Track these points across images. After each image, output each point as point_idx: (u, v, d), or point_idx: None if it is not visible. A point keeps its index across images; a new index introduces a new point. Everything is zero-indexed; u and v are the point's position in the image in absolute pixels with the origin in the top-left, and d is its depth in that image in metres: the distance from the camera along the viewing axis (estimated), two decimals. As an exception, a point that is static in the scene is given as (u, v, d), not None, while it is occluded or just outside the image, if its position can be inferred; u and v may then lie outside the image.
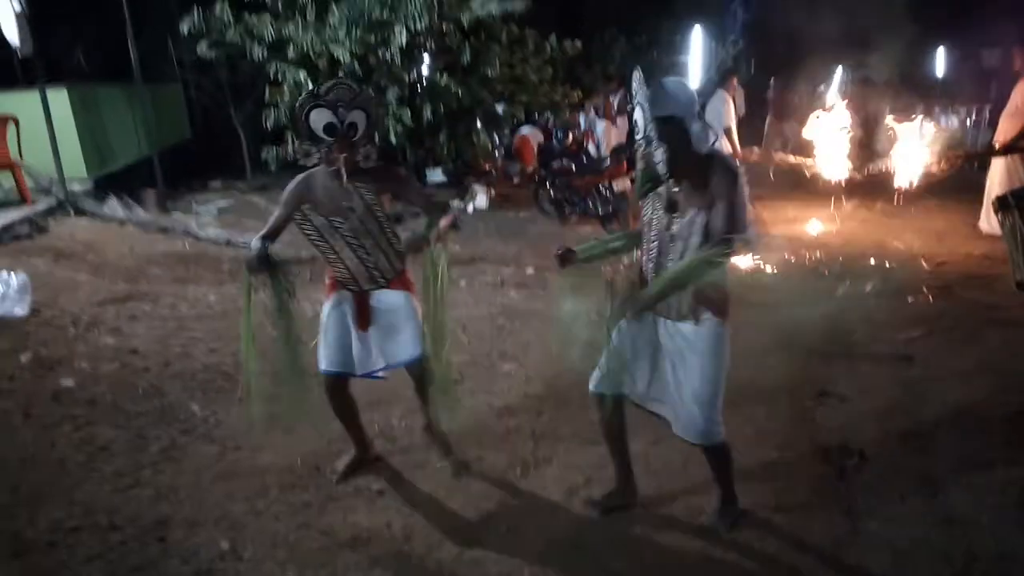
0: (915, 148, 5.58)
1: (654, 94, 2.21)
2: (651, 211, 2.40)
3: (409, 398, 3.66)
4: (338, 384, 2.94)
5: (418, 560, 2.53)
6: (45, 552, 2.60)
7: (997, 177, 6.04)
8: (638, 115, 2.25)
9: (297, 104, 2.65)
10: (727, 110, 7.95)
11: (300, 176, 2.77)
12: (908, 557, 2.47)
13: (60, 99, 7.97)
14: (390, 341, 2.88)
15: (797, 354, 4.21)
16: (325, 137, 2.61)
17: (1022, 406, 3.42)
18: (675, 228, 2.32)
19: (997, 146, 5.98)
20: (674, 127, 2.21)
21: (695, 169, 2.24)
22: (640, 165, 2.35)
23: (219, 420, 3.57)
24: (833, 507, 2.76)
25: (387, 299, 2.85)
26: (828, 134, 6.47)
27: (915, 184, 5.16)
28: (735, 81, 8.58)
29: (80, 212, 7.49)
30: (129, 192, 8.17)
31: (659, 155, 2.22)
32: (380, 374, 3.00)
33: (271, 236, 2.75)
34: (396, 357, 2.90)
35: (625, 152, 7.75)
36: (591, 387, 2.61)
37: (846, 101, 6.96)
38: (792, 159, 7.25)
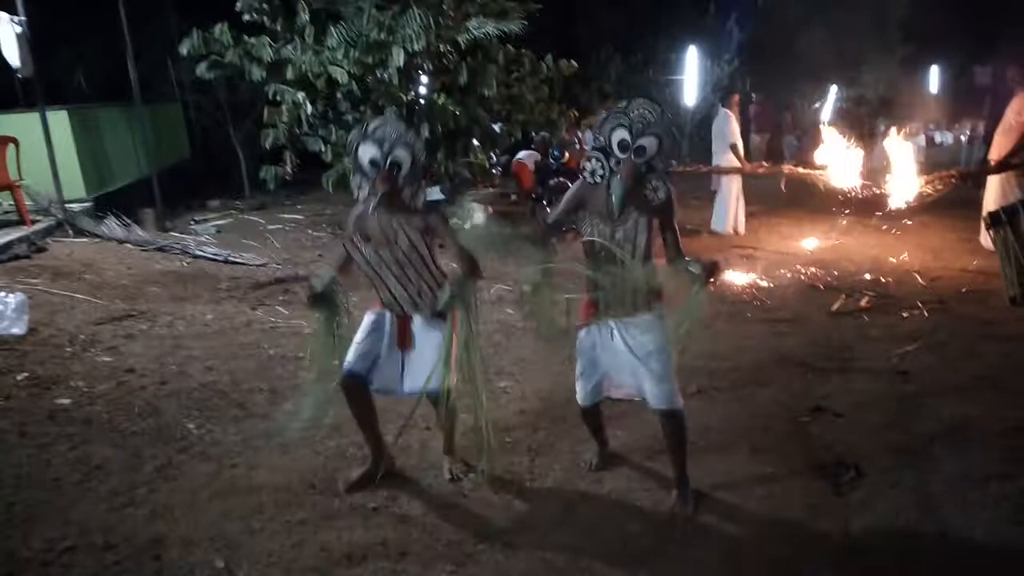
0: (910, 166, 5.63)
1: (665, 132, 2.61)
2: (590, 228, 2.73)
3: (405, 415, 3.67)
4: (357, 386, 2.97)
5: (413, 578, 2.52)
6: (39, 572, 2.58)
7: (992, 194, 6.09)
8: (650, 143, 2.59)
9: (348, 139, 2.77)
10: (731, 127, 8.03)
11: (354, 209, 2.93)
12: (903, 571, 2.47)
13: (60, 120, 8.04)
14: (419, 368, 2.93)
15: (793, 369, 4.23)
16: (370, 171, 2.76)
17: (1018, 421, 3.43)
18: (619, 234, 2.67)
19: (992, 163, 6.03)
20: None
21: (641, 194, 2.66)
22: (626, 183, 2.62)
23: (215, 439, 3.57)
24: (829, 522, 2.77)
25: (426, 328, 2.93)
26: (838, 150, 6.52)
27: (910, 201, 5.21)
28: (737, 98, 8.67)
29: (79, 232, 7.52)
30: (128, 212, 8.20)
31: (655, 183, 2.64)
32: (401, 395, 3.05)
33: (339, 268, 2.96)
34: (419, 386, 2.93)
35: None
36: (583, 403, 3.02)
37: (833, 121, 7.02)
38: (802, 171, 7.30)
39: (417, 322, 2.95)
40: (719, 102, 9.05)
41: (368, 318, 2.99)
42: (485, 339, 4.90)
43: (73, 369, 4.39)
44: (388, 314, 2.96)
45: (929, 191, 4.85)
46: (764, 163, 8.62)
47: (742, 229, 8.23)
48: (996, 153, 6.15)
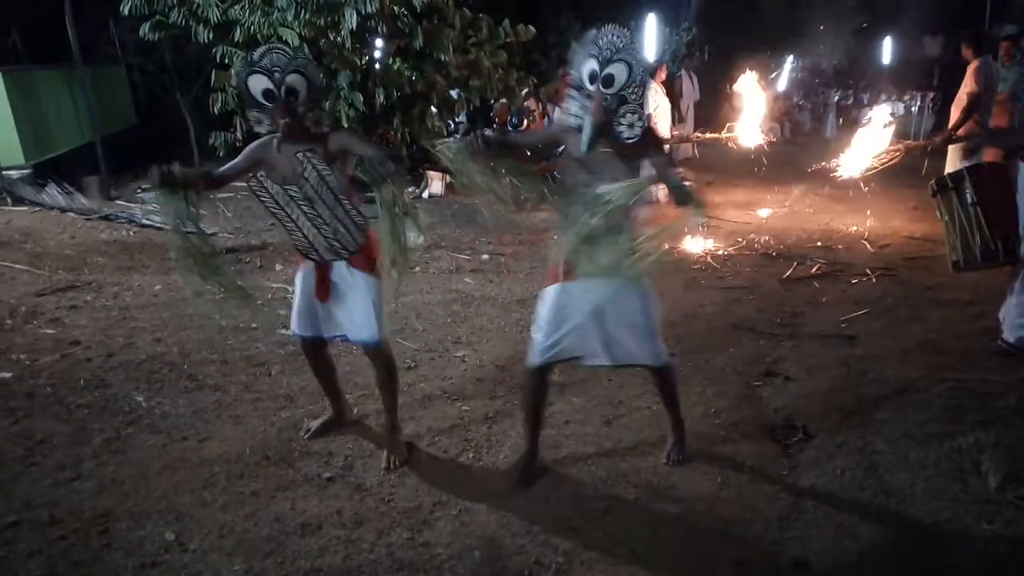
0: (863, 137, 5.71)
1: (638, 58, 2.45)
2: (569, 176, 2.58)
3: (362, 384, 3.65)
4: (311, 346, 3.05)
5: (369, 546, 2.51)
6: (-20, 549, 2.51)
7: (950, 165, 6.20)
8: (619, 71, 2.41)
9: (235, 71, 2.63)
10: (648, 98, 8.00)
11: (259, 139, 2.77)
12: (847, 528, 2.55)
13: (-6, 83, 7.68)
14: (347, 317, 2.90)
15: (745, 335, 4.30)
16: (266, 103, 2.60)
17: (956, 382, 3.55)
18: (593, 182, 2.48)
19: (939, 137, 6.13)
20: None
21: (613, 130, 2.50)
22: (595, 119, 2.46)
23: (165, 411, 3.49)
24: (777, 482, 2.84)
25: (348, 277, 2.84)
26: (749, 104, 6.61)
27: (861, 172, 5.29)
28: (664, 69, 8.69)
29: (17, 200, 7.24)
30: (70, 179, 7.90)
31: (631, 119, 2.47)
32: (339, 340, 3.04)
33: (220, 178, 2.82)
34: (351, 334, 2.93)
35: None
36: (536, 361, 2.73)
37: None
38: (709, 134, 7.43)
39: (338, 270, 2.84)
40: (679, 69, 9.10)
41: (298, 275, 2.94)
42: (443, 309, 4.88)
43: (14, 342, 4.24)
44: (311, 264, 2.85)
45: (877, 164, 4.93)
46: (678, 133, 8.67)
47: (663, 198, 8.22)
48: (950, 125, 6.27)
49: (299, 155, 2.64)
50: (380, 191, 2.73)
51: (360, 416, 3.40)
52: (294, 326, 3.01)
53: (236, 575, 2.39)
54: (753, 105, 5.83)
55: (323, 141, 2.70)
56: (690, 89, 10.57)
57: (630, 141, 2.48)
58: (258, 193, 2.74)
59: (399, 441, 3.08)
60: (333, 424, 3.24)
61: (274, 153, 2.70)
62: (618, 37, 2.41)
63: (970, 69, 6.13)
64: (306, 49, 7.48)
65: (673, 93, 10.07)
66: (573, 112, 2.54)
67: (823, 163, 5.32)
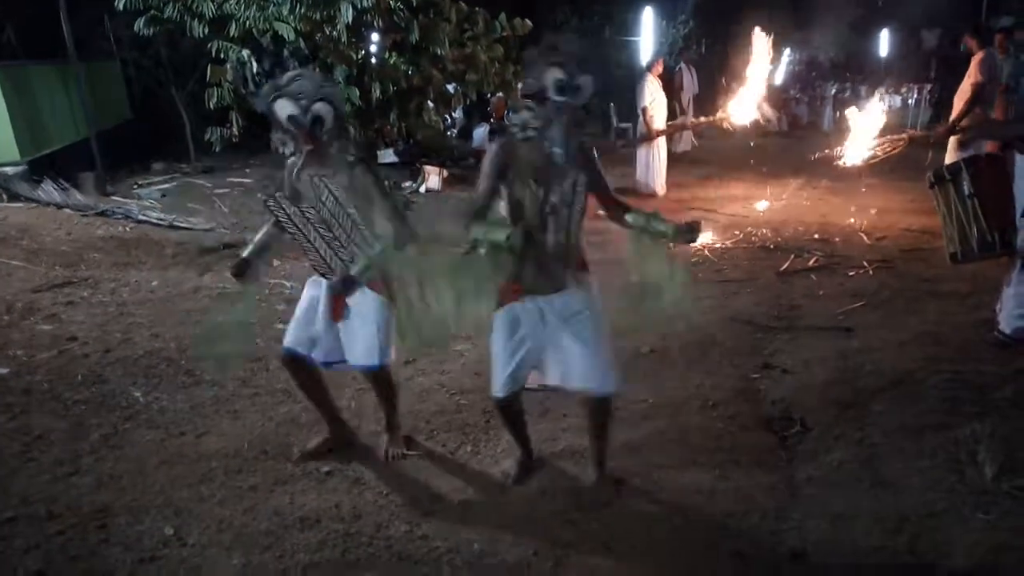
0: (863, 129, 5.70)
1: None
2: (518, 193, 2.40)
3: (361, 380, 3.64)
4: (296, 362, 2.90)
5: (367, 539, 2.52)
6: (-21, 544, 2.51)
7: (949, 156, 6.20)
8: (588, 82, 2.33)
9: (261, 93, 2.60)
10: (646, 91, 7.97)
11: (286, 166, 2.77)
12: (843, 519, 2.56)
13: (-12, 78, 7.64)
14: (355, 339, 2.81)
15: (743, 328, 4.31)
16: (290, 128, 2.58)
17: (953, 373, 3.56)
18: (555, 197, 2.40)
19: (941, 127, 6.13)
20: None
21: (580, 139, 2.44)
22: (567, 127, 2.37)
23: (163, 406, 3.49)
24: (774, 474, 2.85)
25: (362, 299, 2.77)
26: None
27: (860, 164, 5.30)
28: (661, 63, 8.63)
29: (13, 196, 7.21)
30: (66, 175, 7.87)
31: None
32: (337, 367, 2.93)
33: (269, 233, 2.85)
34: (355, 359, 2.84)
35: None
36: (500, 395, 2.62)
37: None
38: (703, 120, 7.43)
39: (352, 294, 2.77)
40: (678, 63, 9.11)
41: (306, 290, 2.87)
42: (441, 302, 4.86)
43: (11, 338, 4.23)
44: (324, 283, 2.79)
45: (880, 153, 4.93)
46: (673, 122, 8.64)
47: (660, 190, 8.21)
48: (952, 115, 6.26)
49: (316, 179, 2.64)
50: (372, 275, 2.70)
51: (358, 410, 3.40)
52: (288, 340, 2.86)
53: (235, 569, 2.39)
54: (759, 69, 5.76)
55: (343, 170, 2.67)
56: (690, 82, 10.55)
57: (587, 156, 2.46)
58: (275, 212, 2.74)
59: (398, 435, 3.08)
60: (331, 445, 3.05)
61: (293, 175, 2.69)
62: (581, 48, 2.36)
63: (974, 60, 6.12)
64: (302, 43, 7.46)
65: (673, 87, 10.06)
66: (525, 122, 2.36)
67: (827, 151, 5.31)
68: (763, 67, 6.03)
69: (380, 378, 2.93)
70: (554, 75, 2.30)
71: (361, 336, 2.79)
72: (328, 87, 2.68)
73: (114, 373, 3.81)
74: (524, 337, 2.52)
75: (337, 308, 2.79)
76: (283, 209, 2.71)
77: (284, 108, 2.56)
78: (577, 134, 2.41)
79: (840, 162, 5.49)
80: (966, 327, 4.15)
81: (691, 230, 2.40)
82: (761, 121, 6.66)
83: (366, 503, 2.72)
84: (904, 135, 5.40)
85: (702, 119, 7.47)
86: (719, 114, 6.93)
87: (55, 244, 6.10)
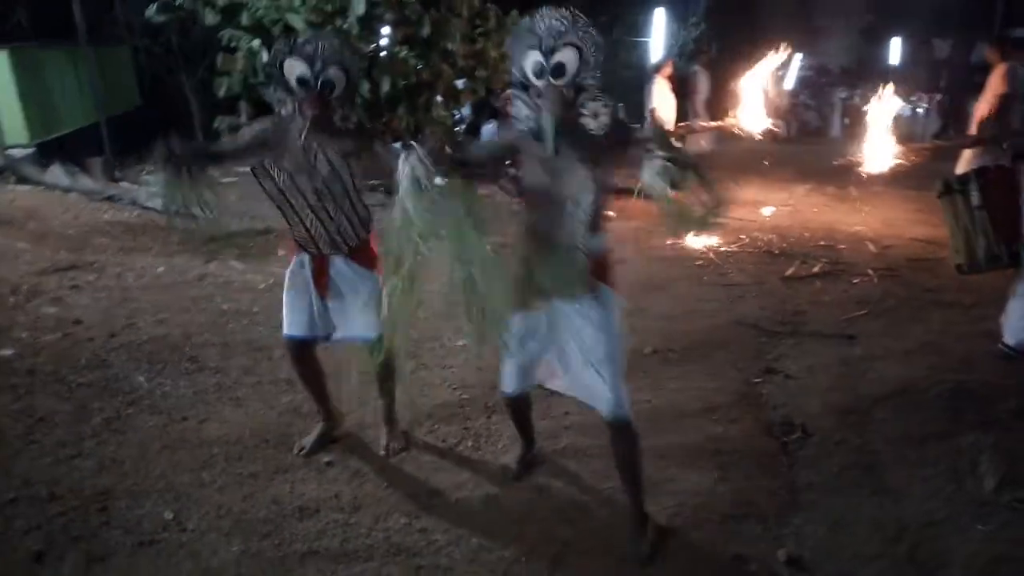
0: (884, 136, 5.66)
1: (588, 39, 2.10)
2: (532, 175, 2.24)
3: (363, 371, 3.64)
4: (302, 349, 2.87)
5: (366, 530, 2.52)
6: (-20, 523, 2.52)
7: (962, 167, 6.17)
8: (568, 57, 2.09)
9: (273, 49, 2.54)
10: (655, 94, 7.94)
11: (270, 120, 2.62)
12: (843, 526, 2.56)
13: (0, 61, 7.65)
14: (346, 314, 2.78)
15: (746, 332, 4.31)
16: (297, 90, 2.48)
17: (956, 383, 3.55)
18: (565, 189, 2.18)
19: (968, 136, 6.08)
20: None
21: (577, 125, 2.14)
22: (554, 114, 2.15)
23: (166, 392, 3.49)
24: (775, 479, 2.85)
25: (347, 271, 2.74)
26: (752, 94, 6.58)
27: (882, 171, 5.24)
28: (671, 64, 8.59)
29: (21, 179, 7.22)
30: (74, 160, 7.89)
31: (594, 106, 2.10)
32: (335, 341, 2.90)
33: (215, 152, 2.62)
34: (351, 331, 2.81)
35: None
36: (507, 391, 2.54)
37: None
38: (712, 124, 7.41)
39: (337, 264, 2.73)
40: (692, 64, 9.10)
41: (289, 271, 2.78)
42: (444, 298, 4.87)
43: (16, 320, 4.25)
44: (306, 257, 2.73)
45: (903, 162, 4.89)
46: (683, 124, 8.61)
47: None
48: (974, 127, 6.22)
49: (315, 146, 2.55)
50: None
51: (360, 401, 3.40)
52: (286, 327, 2.82)
53: (233, 555, 2.40)
54: (755, 93, 5.77)
55: (344, 136, 2.61)
56: (705, 86, 10.50)
57: (597, 134, 2.13)
58: (261, 180, 2.62)
59: (397, 429, 3.08)
60: (328, 435, 3.06)
61: (290, 141, 2.56)
62: (558, 20, 2.09)
63: (996, 72, 6.08)
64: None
65: (687, 89, 10.05)
66: (524, 116, 2.21)
67: (848, 158, 5.28)
68: (773, 75, 6.02)
69: (378, 352, 2.78)
70: (531, 59, 2.12)
71: (355, 308, 2.75)
72: (346, 54, 2.55)
73: (118, 358, 3.82)
74: (531, 336, 2.38)
75: (322, 281, 2.73)
76: (270, 176, 2.59)
77: (294, 68, 2.46)
78: (575, 120, 2.13)
79: (862, 170, 5.45)
80: (970, 338, 4.14)
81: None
82: (774, 129, 6.62)
83: (366, 494, 2.73)
84: (928, 145, 5.38)
85: (711, 123, 7.46)
86: (728, 119, 6.92)
87: (62, 228, 6.12)
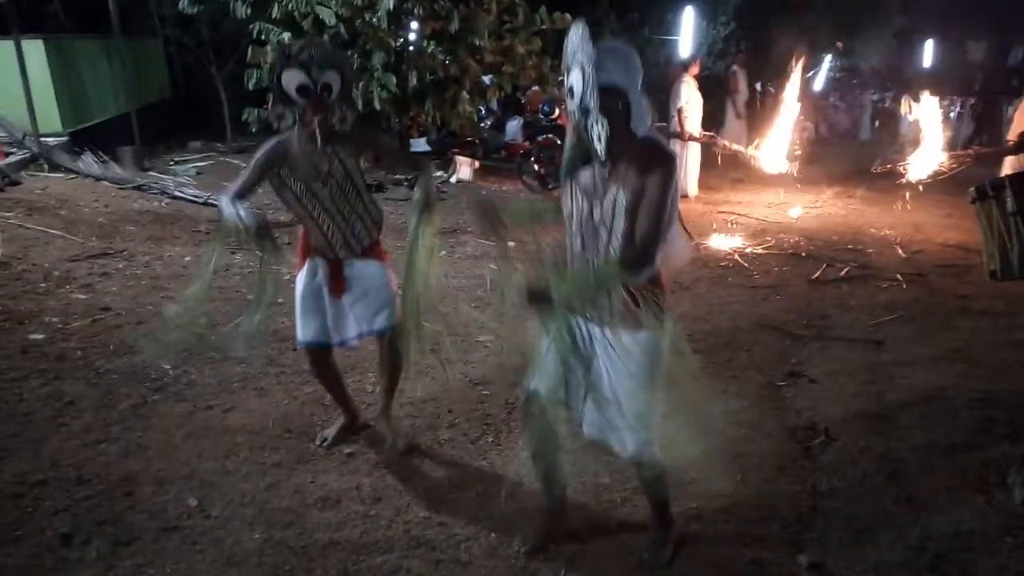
0: (930, 141, 5.57)
1: (600, 58, 1.87)
2: (570, 199, 2.10)
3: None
4: (319, 354, 2.92)
5: (386, 522, 2.54)
6: (11, 503, 2.57)
7: (1004, 171, 6.05)
8: (575, 79, 1.91)
9: (269, 65, 2.58)
10: (680, 93, 7.87)
11: (275, 139, 2.66)
12: (866, 533, 2.53)
13: (35, 50, 7.79)
14: (363, 309, 2.82)
15: (771, 334, 4.27)
16: (298, 99, 2.53)
17: (985, 393, 3.49)
18: (597, 214, 2.02)
19: (1010, 142, 5.98)
20: (618, 99, 1.92)
21: (630, 151, 1.96)
22: (570, 139, 2.05)
23: (191, 380, 3.54)
24: (797, 483, 2.82)
25: (361, 268, 2.79)
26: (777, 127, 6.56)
27: (929, 175, 5.17)
28: (699, 64, 8.50)
29: (54, 166, 7.35)
30: (105, 149, 8.01)
31: (597, 130, 1.91)
32: (354, 342, 2.93)
33: (241, 196, 2.62)
34: (369, 325, 2.84)
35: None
36: (529, 388, 2.27)
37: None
38: (735, 147, 7.43)
39: (350, 266, 2.78)
40: (726, 63, 9.07)
41: (300, 277, 2.82)
42: (467, 293, 4.89)
43: (47, 305, 4.32)
44: (319, 262, 2.78)
45: (945, 168, 4.81)
46: (710, 133, 8.50)
47: (692, 191, 8.15)
48: (1013, 134, 6.09)
49: (330, 150, 2.61)
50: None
51: (381, 395, 3.42)
52: (301, 334, 2.84)
53: (256, 543, 2.43)
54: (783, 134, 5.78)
55: (349, 137, 2.65)
56: (744, 85, 10.39)
57: (645, 168, 1.94)
58: (280, 192, 2.69)
59: (397, 424, 3.09)
60: (350, 429, 3.09)
61: (296, 151, 2.61)
62: (575, 35, 1.91)
63: None
64: (342, 28, 7.50)
65: (728, 88, 10.00)
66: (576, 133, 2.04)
67: (889, 165, 5.23)
68: (802, 78, 6.01)
69: (393, 343, 2.88)
70: (572, 78, 1.94)
71: (373, 299, 2.80)
72: (338, 55, 2.62)
73: (145, 345, 3.87)
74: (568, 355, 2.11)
75: (338, 283, 2.78)
76: (288, 187, 2.66)
77: (293, 79, 2.50)
78: (628, 140, 1.96)
79: (905, 179, 5.40)
80: (1000, 346, 4.07)
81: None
82: (792, 173, 6.61)
83: (387, 486, 2.75)
84: (971, 151, 5.29)
85: (733, 146, 7.46)
86: (750, 149, 6.97)
87: (92, 215, 6.22)
